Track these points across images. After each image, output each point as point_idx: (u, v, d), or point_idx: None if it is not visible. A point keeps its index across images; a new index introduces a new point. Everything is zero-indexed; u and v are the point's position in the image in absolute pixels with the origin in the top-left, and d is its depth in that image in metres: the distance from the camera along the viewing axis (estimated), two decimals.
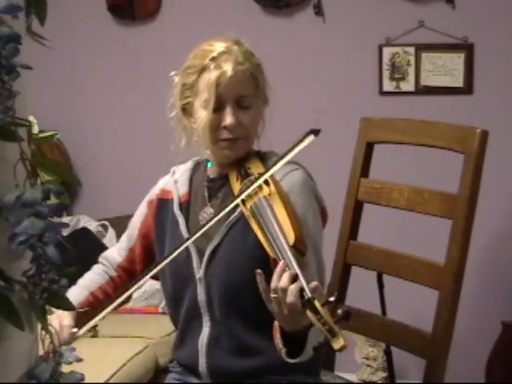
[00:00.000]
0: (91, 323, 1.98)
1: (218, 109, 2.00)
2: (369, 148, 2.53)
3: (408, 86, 3.63)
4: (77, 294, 2.13)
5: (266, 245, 1.85)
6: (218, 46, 2.02)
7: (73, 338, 1.98)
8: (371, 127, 2.53)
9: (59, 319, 1.98)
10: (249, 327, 2.01)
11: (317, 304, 1.65)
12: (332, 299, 1.66)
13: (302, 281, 1.70)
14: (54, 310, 1.97)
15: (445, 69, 3.57)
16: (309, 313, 1.65)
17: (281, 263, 1.75)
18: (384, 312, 2.50)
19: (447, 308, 2.23)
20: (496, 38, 3.54)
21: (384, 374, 3.57)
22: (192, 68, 2.04)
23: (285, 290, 1.71)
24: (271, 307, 1.77)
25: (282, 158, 1.92)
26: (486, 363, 3.49)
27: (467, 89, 3.57)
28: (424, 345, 2.27)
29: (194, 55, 2.05)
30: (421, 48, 3.60)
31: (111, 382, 2.89)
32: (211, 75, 1.99)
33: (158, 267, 1.94)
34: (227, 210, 1.93)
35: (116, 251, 2.24)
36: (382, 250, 2.44)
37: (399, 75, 3.64)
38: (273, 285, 1.74)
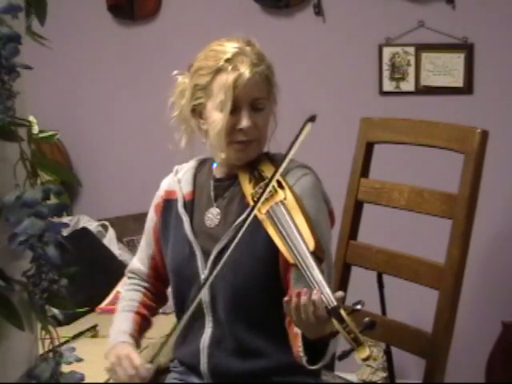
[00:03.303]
0: (159, 355, 1.98)
1: (234, 111, 1.98)
2: (369, 148, 2.53)
3: (408, 85, 3.63)
4: (124, 320, 2.14)
5: (284, 250, 1.84)
6: (230, 47, 2.00)
7: (150, 373, 1.98)
8: (371, 127, 2.53)
9: (129, 361, 1.98)
10: (252, 330, 2.00)
11: (342, 313, 1.65)
12: (359, 307, 1.66)
13: (327, 289, 1.70)
14: (114, 353, 1.96)
15: (445, 69, 3.57)
16: (334, 321, 1.65)
17: (293, 296, 1.73)
18: (384, 312, 2.50)
19: (447, 308, 2.23)
20: (496, 38, 3.54)
21: (384, 374, 3.57)
22: (205, 69, 2.00)
23: (308, 318, 1.71)
24: (296, 322, 1.76)
25: (287, 153, 1.91)
26: (486, 363, 3.49)
27: (467, 89, 3.57)
28: (424, 345, 2.27)
29: (206, 56, 2.02)
30: (421, 48, 3.60)
31: (111, 381, 2.89)
32: (228, 77, 1.96)
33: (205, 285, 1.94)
34: (244, 215, 1.92)
35: (139, 262, 2.23)
36: (382, 250, 2.44)
37: (399, 75, 3.64)
38: (295, 317, 1.73)
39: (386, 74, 3.65)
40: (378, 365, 3.59)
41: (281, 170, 1.92)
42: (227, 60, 1.98)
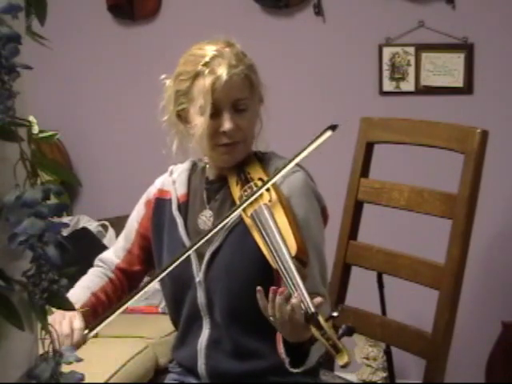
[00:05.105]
0: (101, 326, 1.97)
1: (215, 114, 1.98)
2: (369, 148, 2.53)
3: (408, 85, 3.63)
4: (78, 294, 2.09)
5: (267, 255, 1.84)
6: (209, 50, 1.99)
7: (84, 340, 1.96)
8: (371, 127, 2.53)
9: (69, 322, 1.96)
10: (249, 331, 2.00)
11: (320, 319, 1.65)
12: (335, 314, 1.66)
13: (306, 295, 1.70)
14: (60, 311, 1.96)
15: (445, 69, 3.57)
16: (312, 328, 1.65)
17: (270, 295, 1.74)
18: (384, 312, 2.50)
19: (447, 308, 2.23)
20: (496, 38, 3.54)
21: (384, 374, 3.57)
22: (184, 74, 2.01)
23: (282, 317, 1.72)
24: (273, 321, 1.77)
25: (298, 154, 1.91)
26: (486, 363, 3.49)
27: (467, 89, 3.57)
28: (424, 345, 2.27)
29: (185, 60, 2.03)
30: (421, 48, 3.60)
31: (111, 381, 2.89)
32: (206, 81, 1.96)
33: (163, 273, 1.94)
34: (228, 219, 1.93)
35: (113, 253, 2.21)
36: (382, 250, 2.44)
37: (399, 75, 3.64)
38: (270, 312, 1.75)
39: (385, 73, 3.65)
40: (378, 365, 3.59)
41: (279, 176, 1.93)
42: (204, 64, 1.97)
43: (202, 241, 1.94)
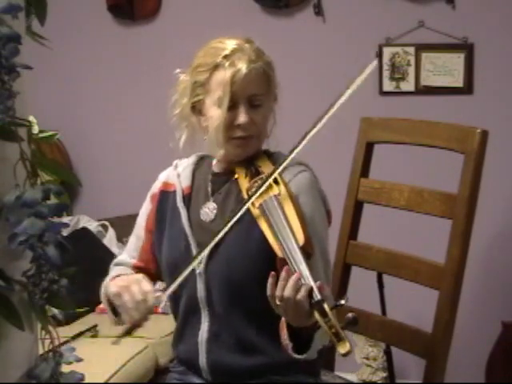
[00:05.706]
0: (175, 285, 1.91)
1: (231, 107, 1.99)
2: (369, 148, 2.53)
3: (408, 85, 3.63)
4: (121, 269, 2.10)
5: (274, 244, 1.85)
6: (230, 44, 2.02)
7: (158, 302, 1.91)
8: (371, 127, 2.53)
9: (138, 285, 1.90)
10: (249, 323, 2.00)
11: (326, 307, 1.65)
12: (342, 302, 1.67)
13: (312, 282, 1.71)
14: (122, 279, 1.88)
15: (445, 69, 3.57)
16: (316, 315, 1.66)
17: (283, 273, 1.75)
18: (384, 312, 2.50)
19: (447, 308, 2.23)
20: (496, 38, 3.54)
21: (384, 374, 3.57)
22: (204, 66, 2.02)
23: (290, 299, 1.72)
24: (277, 307, 1.78)
25: (340, 95, 1.98)
26: (486, 363, 3.49)
27: (467, 89, 3.57)
28: (424, 345, 2.27)
29: (205, 53, 2.05)
30: (421, 48, 3.60)
31: (111, 381, 2.89)
32: (226, 73, 1.98)
33: (186, 272, 1.92)
34: (241, 212, 1.92)
35: (126, 254, 2.19)
36: (382, 250, 2.44)
37: (399, 75, 3.64)
38: (278, 293, 1.75)
39: (386, 73, 3.65)
40: (378, 365, 3.59)
41: (291, 157, 1.94)
42: (225, 56, 2.00)
43: (217, 238, 1.92)
